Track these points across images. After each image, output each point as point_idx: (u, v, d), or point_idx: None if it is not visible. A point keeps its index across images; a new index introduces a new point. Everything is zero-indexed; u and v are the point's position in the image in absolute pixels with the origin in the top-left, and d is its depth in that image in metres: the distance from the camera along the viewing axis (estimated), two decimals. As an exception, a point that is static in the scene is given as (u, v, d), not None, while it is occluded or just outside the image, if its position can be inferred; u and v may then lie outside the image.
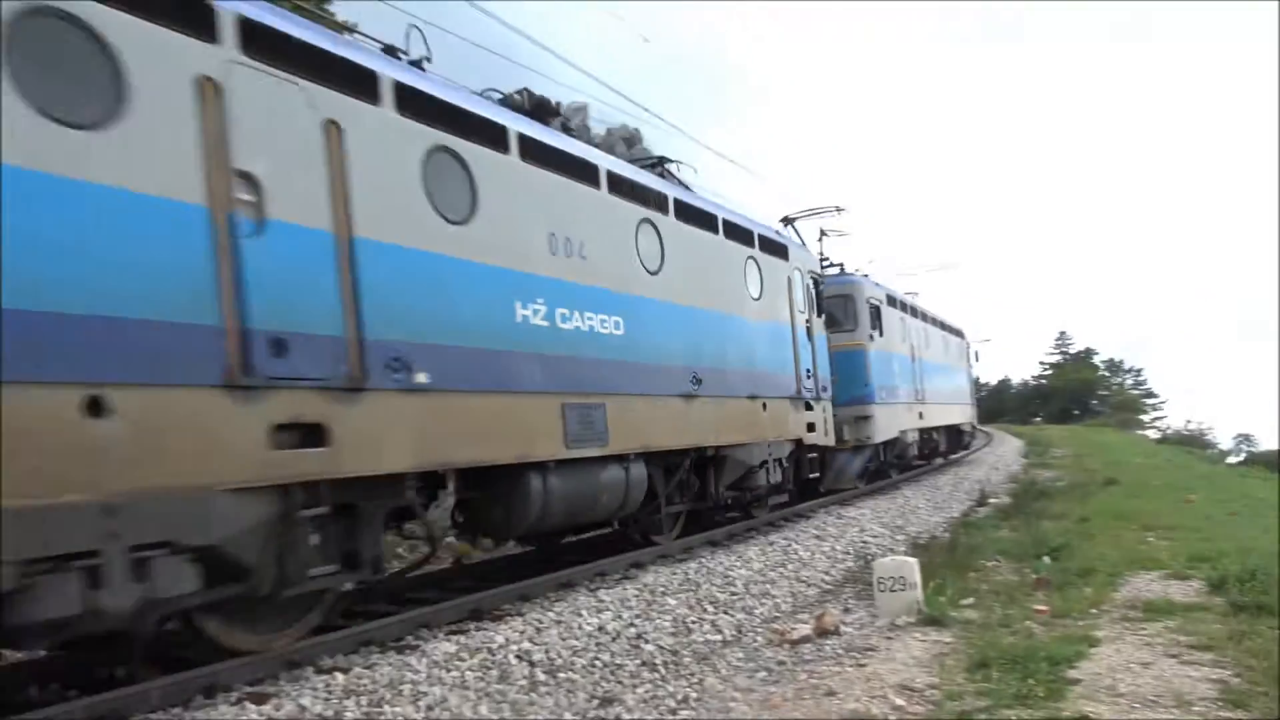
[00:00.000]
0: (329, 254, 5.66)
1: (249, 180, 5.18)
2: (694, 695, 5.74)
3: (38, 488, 4.10)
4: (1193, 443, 67.22)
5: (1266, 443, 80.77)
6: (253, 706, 4.54)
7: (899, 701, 5.28)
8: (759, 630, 7.48)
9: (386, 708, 4.79)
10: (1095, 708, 5.01)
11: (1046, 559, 9.90)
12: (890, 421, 15.96)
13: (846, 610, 8.23)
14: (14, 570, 4.03)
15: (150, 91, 4.75)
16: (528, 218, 7.56)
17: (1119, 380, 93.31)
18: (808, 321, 13.04)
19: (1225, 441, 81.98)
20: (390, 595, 7.50)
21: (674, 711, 5.43)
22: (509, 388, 7.08)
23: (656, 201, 9.52)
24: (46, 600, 4.20)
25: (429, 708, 4.89)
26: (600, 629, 6.42)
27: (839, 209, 14.93)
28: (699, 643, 6.88)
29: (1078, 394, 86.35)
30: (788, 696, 5.53)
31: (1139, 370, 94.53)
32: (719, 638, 7.08)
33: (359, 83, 6.07)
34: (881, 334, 15.92)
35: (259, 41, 5.38)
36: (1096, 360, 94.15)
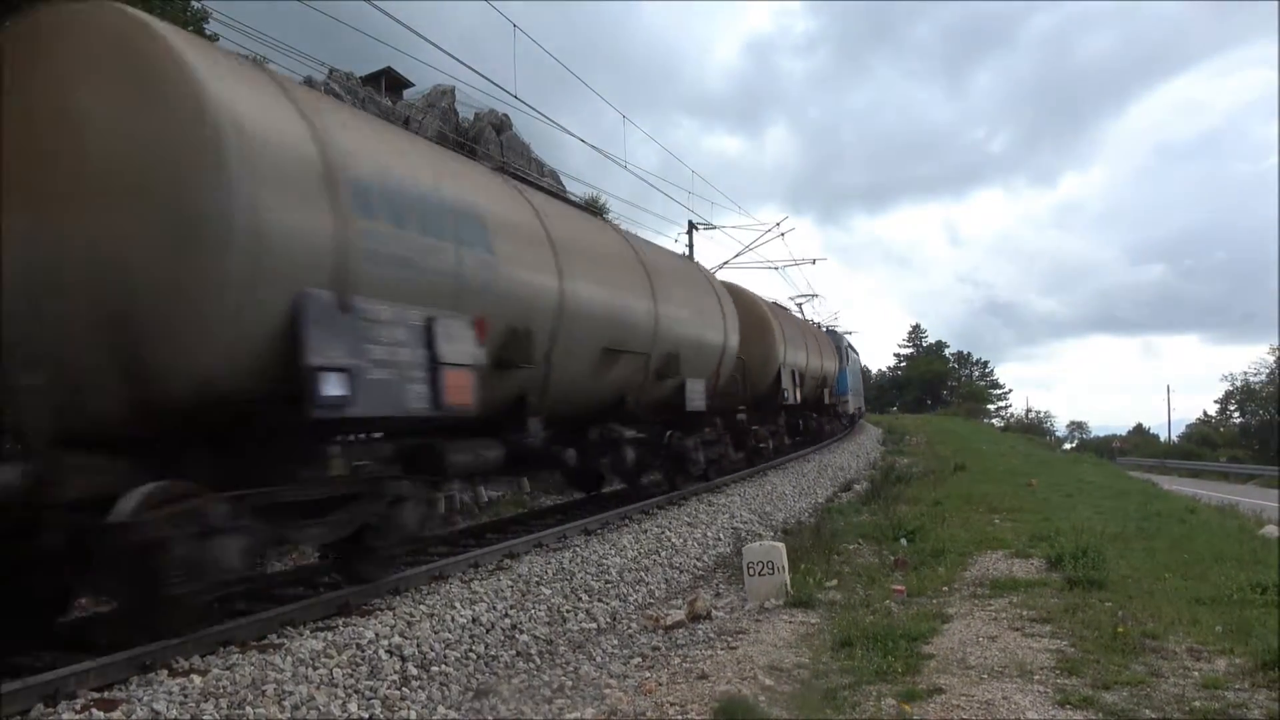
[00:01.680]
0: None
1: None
2: (569, 683, 5.75)
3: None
4: (1032, 430, 72.02)
5: (1097, 430, 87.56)
6: (100, 714, 4.25)
7: (768, 682, 5.45)
8: (633, 617, 7.57)
9: (249, 709, 4.58)
10: (948, 680, 5.32)
11: (903, 541, 10.42)
12: (853, 403, 35.83)
13: (718, 595, 8.43)
14: None
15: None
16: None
17: (967, 372, 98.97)
18: (858, 374, 42.76)
19: (1061, 429, 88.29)
20: (252, 593, 7.17)
21: (550, 700, 5.43)
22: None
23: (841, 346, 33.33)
24: None
25: (294, 707, 4.71)
26: (474, 620, 6.34)
27: None
28: (574, 631, 6.90)
29: (930, 384, 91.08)
30: (662, 681, 5.62)
31: (985, 362, 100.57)
32: (594, 625, 7.12)
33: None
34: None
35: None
36: (947, 353, 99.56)
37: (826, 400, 26.77)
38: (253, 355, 5.39)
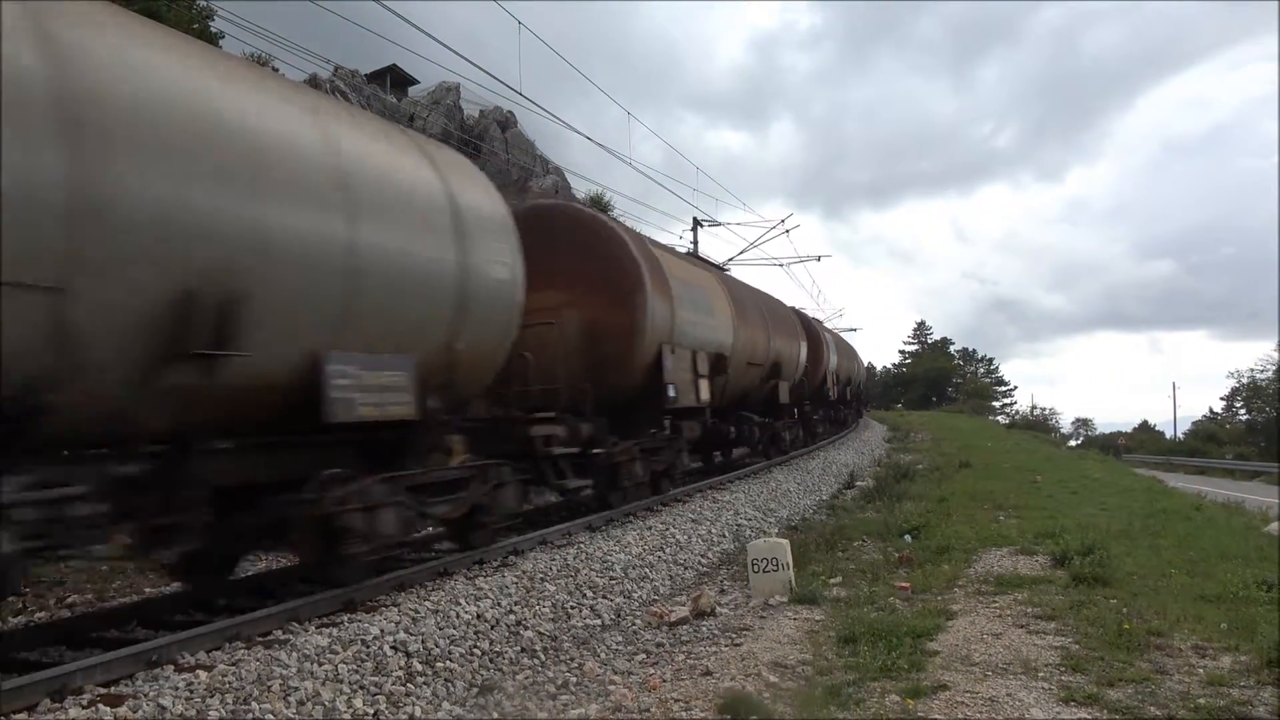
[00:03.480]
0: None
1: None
2: (574, 680, 5.76)
3: None
4: (1037, 427, 71.80)
5: (1102, 426, 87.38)
6: (107, 709, 4.27)
7: (772, 678, 5.45)
8: (638, 613, 7.58)
9: (254, 704, 4.60)
10: (953, 677, 5.32)
11: (908, 538, 10.42)
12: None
13: (722, 591, 8.43)
14: None
15: None
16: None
17: (972, 369, 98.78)
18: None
19: (1066, 426, 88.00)
20: (257, 589, 7.20)
21: (554, 696, 5.44)
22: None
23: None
24: None
25: (300, 703, 4.73)
26: (479, 617, 6.35)
27: None
28: (579, 627, 6.91)
29: (935, 381, 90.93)
30: (666, 677, 5.63)
31: (991, 359, 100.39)
32: (598, 622, 7.13)
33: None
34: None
35: None
36: (952, 350, 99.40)
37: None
38: None
